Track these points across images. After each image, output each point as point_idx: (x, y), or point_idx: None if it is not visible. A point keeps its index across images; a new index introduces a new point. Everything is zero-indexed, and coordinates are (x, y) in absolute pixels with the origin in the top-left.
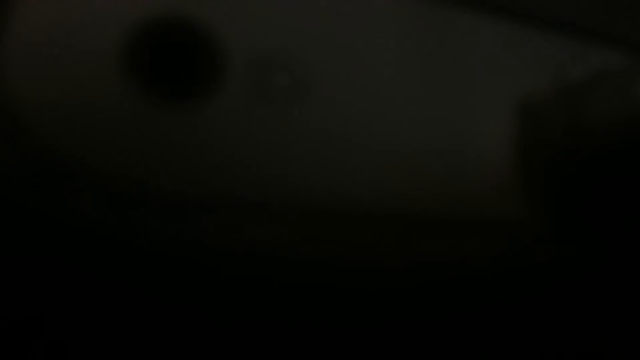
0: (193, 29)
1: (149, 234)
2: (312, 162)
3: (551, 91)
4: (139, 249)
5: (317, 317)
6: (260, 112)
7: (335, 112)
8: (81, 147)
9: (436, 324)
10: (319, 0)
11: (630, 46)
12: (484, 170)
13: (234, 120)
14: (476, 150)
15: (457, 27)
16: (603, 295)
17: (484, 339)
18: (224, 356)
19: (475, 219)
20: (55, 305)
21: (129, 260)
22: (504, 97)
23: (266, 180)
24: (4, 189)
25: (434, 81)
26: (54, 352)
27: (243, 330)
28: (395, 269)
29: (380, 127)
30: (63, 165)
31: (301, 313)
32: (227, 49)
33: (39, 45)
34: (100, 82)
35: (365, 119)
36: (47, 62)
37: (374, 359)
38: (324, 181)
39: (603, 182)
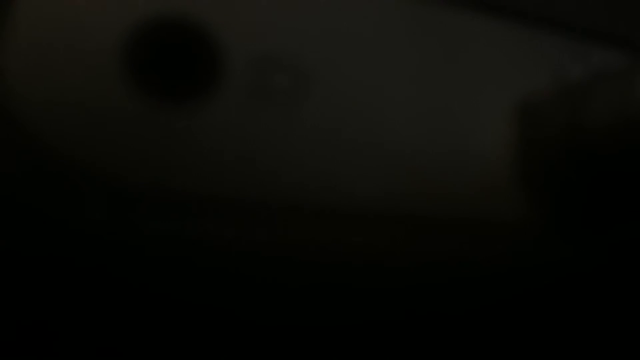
0: (193, 29)
1: (149, 234)
2: (312, 162)
3: (551, 91)
4: (139, 249)
5: (317, 316)
6: (261, 112)
7: (336, 112)
8: (81, 147)
9: (436, 324)
10: (320, 0)
11: (630, 46)
12: (484, 170)
13: (234, 120)
14: (476, 150)
15: (457, 27)
16: (603, 295)
17: (484, 339)
18: (226, 356)
19: (475, 219)
20: (55, 306)
21: (129, 260)
22: (504, 97)
23: (266, 180)
24: (4, 189)
25: (434, 81)
26: (55, 352)
27: (244, 330)
28: (394, 269)
29: (380, 127)
30: (63, 165)
31: (301, 313)
32: (227, 49)
33: (39, 45)
34: (100, 82)
35: (365, 118)
36: (47, 62)
37: (374, 359)
38: (324, 181)
39: (603, 182)
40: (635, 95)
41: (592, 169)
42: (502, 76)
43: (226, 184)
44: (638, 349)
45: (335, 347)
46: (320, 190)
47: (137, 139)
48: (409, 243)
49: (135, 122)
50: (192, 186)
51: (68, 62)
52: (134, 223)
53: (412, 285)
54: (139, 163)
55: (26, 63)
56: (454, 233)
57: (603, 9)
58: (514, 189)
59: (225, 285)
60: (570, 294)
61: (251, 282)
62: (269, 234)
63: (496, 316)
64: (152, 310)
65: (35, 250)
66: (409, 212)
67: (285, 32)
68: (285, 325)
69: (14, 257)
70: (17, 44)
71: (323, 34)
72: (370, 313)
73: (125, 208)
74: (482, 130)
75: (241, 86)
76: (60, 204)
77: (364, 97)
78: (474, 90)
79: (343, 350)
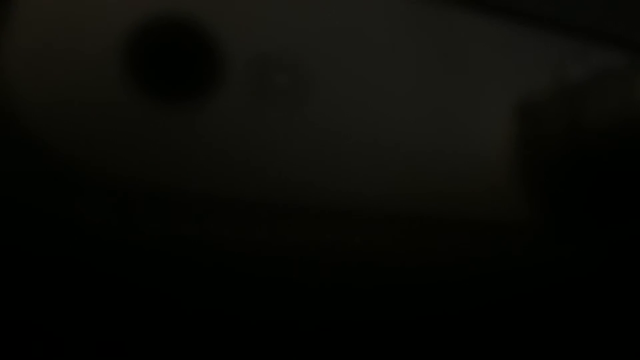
0: (193, 29)
1: (149, 234)
2: (312, 162)
3: (551, 91)
4: (139, 250)
5: (317, 316)
6: (260, 112)
7: (336, 112)
8: (81, 147)
9: (436, 324)
10: (320, 0)
11: (630, 46)
12: (484, 170)
13: (234, 120)
14: (476, 150)
15: (457, 27)
16: (603, 295)
17: (484, 339)
18: (226, 356)
19: (475, 219)
20: (55, 306)
21: (129, 260)
22: (503, 97)
23: (267, 180)
24: (4, 189)
25: (434, 81)
26: (54, 352)
27: (244, 330)
28: (394, 269)
29: (380, 127)
30: (63, 165)
31: (301, 313)
32: (227, 49)
33: (39, 45)
34: (100, 82)
35: (365, 119)
36: (47, 62)
37: (374, 359)
38: (324, 181)
39: (603, 181)
40: (635, 96)
41: (592, 168)
42: (502, 76)
43: (226, 184)
44: (638, 349)
45: (335, 347)
46: (320, 190)
47: (137, 139)
48: (410, 243)
49: (135, 122)
50: (193, 186)
51: (68, 62)
52: (134, 223)
53: (412, 285)
54: (139, 163)
55: (26, 63)
56: (455, 233)
57: (603, 9)
58: (514, 189)
59: (225, 286)
60: (570, 294)
61: (251, 282)
62: (269, 234)
63: (496, 316)
64: (152, 310)
65: (35, 250)
66: (409, 212)
67: (285, 32)
68: (285, 325)
69: (14, 257)
70: (17, 44)
71: (323, 33)
72: (370, 313)
73: (125, 208)
74: (482, 130)
75: (241, 86)
76: (60, 204)
77: (363, 97)
78: (474, 90)
79: (343, 350)
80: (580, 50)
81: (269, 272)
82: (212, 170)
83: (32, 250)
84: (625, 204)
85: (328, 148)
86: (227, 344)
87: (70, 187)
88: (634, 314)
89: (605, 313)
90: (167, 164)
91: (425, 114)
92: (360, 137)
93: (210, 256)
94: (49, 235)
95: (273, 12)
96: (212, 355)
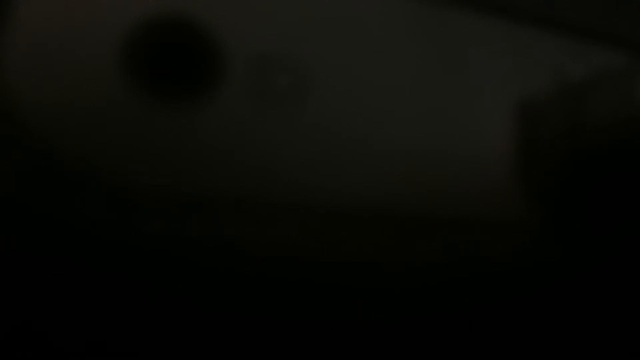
0: (193, 29)
1: (148, 234)
2: (312, 162)
3: (551, 91)
4: (138, 249)
5: (316, 317)
6: (261, 112)
7: (335, 112)
8: (81, 147)
9: (436, 324)
10: (319, 0)
11: (630, 46)
12: (484, 170)
13: (234, 120)
14: (476, 150)
15: (458, 27)
16: (603, 295)
17: (484, 339)
18: (225, 356)
19: (475, 219)
20: (55, 306)
21: (129, 260)
22: (504, 97)
23: (266, 180)
24: (4, 189)
25: (435, 81)
26: (54, 352)
27: (243, 329)
28: (394, 269)
29: (380, 127)
30: (63, 165)
31: (300, 313)
32: (227, 49)
33: (39, 45)
34: (100, 82)
35: (365, 118)
36: (47, 62)
37: (374, 359)
38: (323, 181)
39: (603, 182)
40: (635, 95)
41: (592, 168)
42: (502, 76)
43: (226, 184)
44: (637, 348)
45: (335, 347)
46: (320, 190)
47: (137, 138)
48: (410, 243)
49: (135, 122)
50: (192, 186)
51: (68, 62)
52: (134, 222)
53: (412, 285)
54: (140, 163)
55: (26, 63)
56: (455, 233)
57: (603, 9)
58: (514, 189)
59: (225, 285)
60: (570, 294)
61: (251, 282)
62: (269, 234)
63: (496, 316)
64: (151, 310)
65: (35, 250)
66: (409, 212)
67: (286, 33)
68: (284, 325)
69: (14, 257)
70: (17, 44)
71: (324, 34)
72: (370, 313)
73: (125, 207)
74: (482, 130)
75: (241, 86)
76: (60, 203)
77: (363, 97)
78: (474, 90)
79: (344, 350)
80: (580, 50)
81: (269, 272)
82: (212, 170)
83: (32, 250)
84: (625, 204)
85: (328, 148)
86: (227, 343)
87: (70, 187)
88: (634, 313)
89: (605, 313)
90: (167, 164)
91: (425, 114)
92: (361, 137)
93: (210, 256)
94: (49, 234)
95: (274, 13)
96: (212, 354)
